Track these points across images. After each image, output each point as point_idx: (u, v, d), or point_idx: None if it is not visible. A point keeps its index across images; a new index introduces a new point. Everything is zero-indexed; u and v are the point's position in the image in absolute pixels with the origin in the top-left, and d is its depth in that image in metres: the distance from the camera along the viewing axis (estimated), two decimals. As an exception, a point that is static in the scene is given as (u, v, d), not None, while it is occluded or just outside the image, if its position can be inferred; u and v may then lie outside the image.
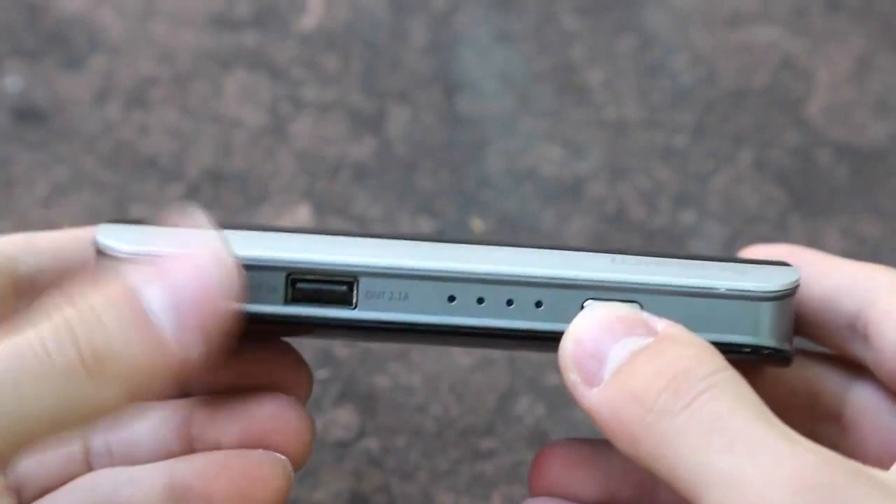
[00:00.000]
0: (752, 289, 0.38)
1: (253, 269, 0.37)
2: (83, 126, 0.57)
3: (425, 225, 0.56)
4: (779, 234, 0.57)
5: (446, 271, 0.37)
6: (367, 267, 0.37)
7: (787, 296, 0.39)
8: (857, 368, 0.41)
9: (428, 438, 0.51)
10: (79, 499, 0.39)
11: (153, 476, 0.39)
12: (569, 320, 0.37)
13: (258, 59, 0.60)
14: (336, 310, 0.37)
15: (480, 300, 0.37)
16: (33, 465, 0.39)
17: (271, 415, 0.39)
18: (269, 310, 0.37)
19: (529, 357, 0.52)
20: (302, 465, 0.40)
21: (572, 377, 0.35)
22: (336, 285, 0.37)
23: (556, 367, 0.52)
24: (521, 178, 0.58)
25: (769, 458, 0.31)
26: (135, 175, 0.56)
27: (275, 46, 0.60)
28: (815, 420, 0.42)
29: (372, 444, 0.51)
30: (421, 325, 0.38)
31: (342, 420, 0.51)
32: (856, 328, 0.40)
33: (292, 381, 0.40)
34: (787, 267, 0.40)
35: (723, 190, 0.58)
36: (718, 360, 0.34)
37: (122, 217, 0.51)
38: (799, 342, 0.41)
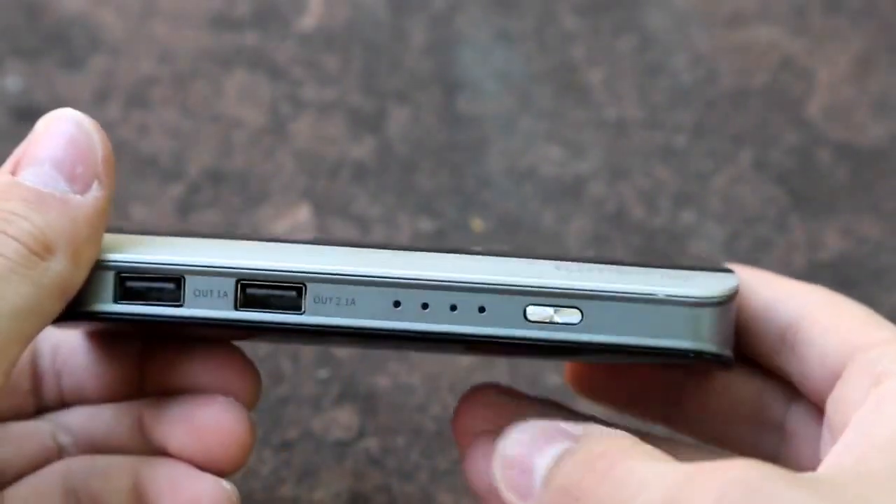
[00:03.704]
0: (691, 294, 0.38)
1: (204, 275, 0.38)
2: (83, 126, 0.57)
3: (425, 225, 0.56)
4: (779, 233, 0.57)
5: (391, 277, 0.38)
6: (315, 273, 0.38)
7: (726, 301, 0.39)
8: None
9: (428, 438, 0.51)
10: (52, 483, 0.41)
11: (120, 475, 0.41)
12: (512, 325, 0.38)
13: (258, 59, 0.60)
14: (285, 315, 0.38)
15: (425, 305, 0.38)
16: (10, 452, 0.41)
17: (213, 417, 0.40)
18: (220, 314, 0.38)
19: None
20: (241, 466, 0.41)
21: (510, 497, 0.36)
22: (285, 291, 0.38)
23: (555, 368, 0.52)
24: (521, 178, 0.58)
25: (684, 474, 0.33)
26: (135, 175, 0.56)
27: (275, 46, 0.60)
28: (759, 428, 0.42)
29: (372, 444, 0.51)
30: (367, 329, 0.38)
31: (342, 420, 0.51)
32: (786, 339, 0.40)
33: (239, 385, 0.41)
34: (728, 273, 0.40)
35: (723, 190, 0.58)
36: (638, 445, 0.35)
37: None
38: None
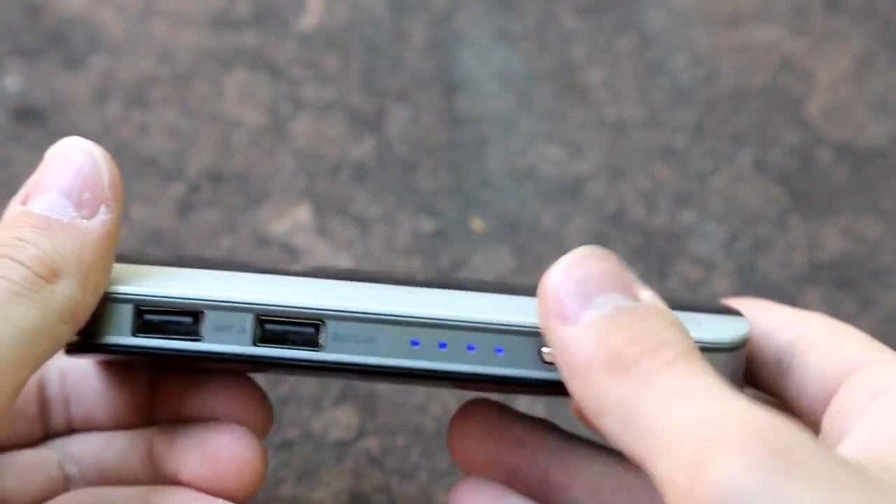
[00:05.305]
0: (706, 340, 0.39)
1: (223, 310, 0.38)
2: (83, 126, 0.57)
3: (425, 225, 0.56)
4: (779, 233, 0.57)
5: (410, 317, 0.38)
6: (335, 311, 0.38)
7: (739, 347, 0.39)
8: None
9: (428, 438, 0.51)
10: None
11: None
12: (528, 367, 0.38)
13: (258, 59, 0.60)
14: (303, 351, 0.38)
15: (443, 345, 0.38)
16: (15, 482, 0.41)
17: (226, 446, 0.40)
18: (238, 350, 0.38)
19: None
20: (253, 494, 0.41)
21: (549, 307, 0.36)
22: (304, 327, 0.38)
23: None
24: (521, 178, 0.58)
25: (727, 408, 0.32)
26: (135, 175, 0.56)
27: (275, 46, 0.60)
28: None
29: (372, 444, 0.51)
30: (385, 368, 0.38)
31: (342, 420, 0.51)
32: (783, 361, 0.41)
33: (252, 414, 0.41)
34: (739, 317, 0.40)
35: (723, 190, 0.58)
36: (691, 340, 0.35)
37: None
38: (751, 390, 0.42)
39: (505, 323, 0.38)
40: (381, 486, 0.50)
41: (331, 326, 0.38)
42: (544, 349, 0.38)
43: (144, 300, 0.38)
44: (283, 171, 0.57)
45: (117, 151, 0.57)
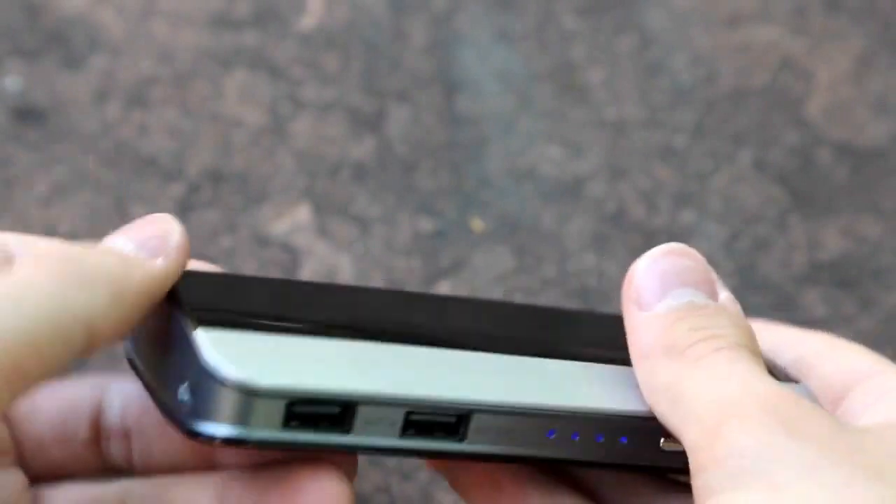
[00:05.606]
0: None
1: (377, 405, 0.36)
2: (83, 126, 0.57)
3: (425, 225, 0.56)
4: (779, 233, 0.57)
5: (549, 409, 0.38)
6: (484, 404, 0.37)
7: None
8: None
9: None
10: None
11: None
12: (648, 456, 0.39)
13: (258, 59, 0.60)
14: (446, 443, 0.37)
15: (576, 434, 0.39)
16: None
17: (316, 487, 0.38)
18: (385, 443, 0.37)
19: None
20: None
21: (631, 293, 0.39)
22: (449, 418, 0.37)
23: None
24: (521, 178, 0.58)
25: (753, 387, 0.36)
26: (135, 175, 0.56)
27: (275, 46, 0.60)
28: None
29: (372, 443, 0.51)
30: (520, 457, 0.38)
31: (342, 420, 0.51)
32: (788, 377, 0.42)
33: (340, 456, 0.39)
34: None
35: (723, 189, 0.58)
36: (755, 341, 0.38)
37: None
38: None
39: (633, 414, 0.39)
40: (382, 486, 0.50)
41: (476, 419, 0.37)
42: (663, 442, 0.39)
43: (299, 395, 0.35)
44: (283, 171, 0.57)
45: (117, 151, 0.57)
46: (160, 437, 0.41)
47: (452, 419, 0.37)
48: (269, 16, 0.61)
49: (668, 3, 0.62)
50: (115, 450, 0.41)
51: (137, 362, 0.38)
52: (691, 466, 0.36)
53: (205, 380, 0.35)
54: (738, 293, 0.54)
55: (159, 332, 0.38)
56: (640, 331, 0.38)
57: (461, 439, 0.37)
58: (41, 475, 0.40)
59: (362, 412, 0.36)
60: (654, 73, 0.61)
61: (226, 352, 0.35)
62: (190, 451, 0.41)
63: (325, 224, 0.56)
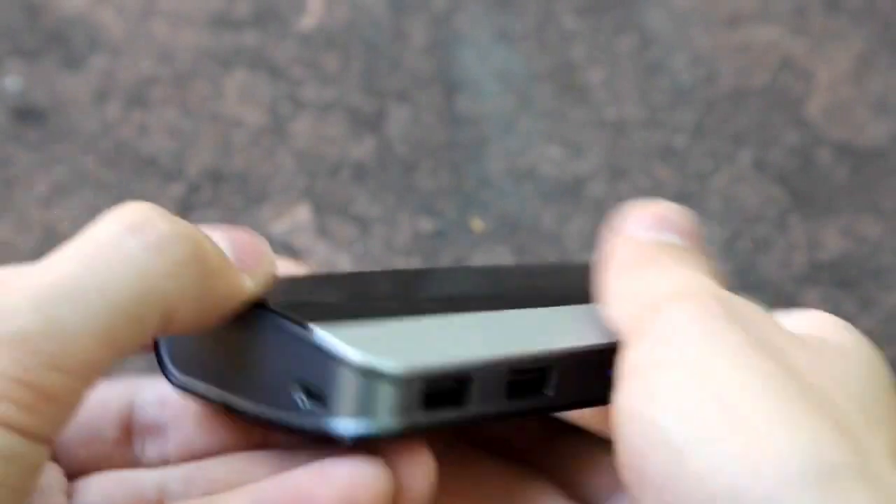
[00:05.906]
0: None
1: (487, 370, 0.35)
2: (83, 126, 0.57)
3: (425, 225, 0.56)
4: (779, 233, 0.57)
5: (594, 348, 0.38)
6: (563, 351, 0.37)
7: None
8: None
9: (428, 438, 0.51)
10: None
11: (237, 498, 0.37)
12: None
13: (258, 59, 0.60)
14: (537, 399, 0.37)
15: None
16: (99, 499, 0.39)
17: (347, 461, 0.36)
18: (499, 409, 0.36)
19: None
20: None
21: (623, 223, 0.40)
22: (536, 374, 0.37)
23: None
24: (521, 178, 0.58)
25: (694, 280, 0.37)
26: (135, 175, 0.56)
27: (275, 46, 0.60)
28: None
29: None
30: (591, 400, 0.38)
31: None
32: None
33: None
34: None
35: (723, 190, 0.58)
36: (708, 261, 0.39)
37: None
38: None
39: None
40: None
41: (558, 370, 0.37)
42: None
43: (434, 373, 0.33)
44: (283, 171, 0.57)
45: (117, 151, 0.57)
46: (201, 429, 0.40)
47: (543, 374, 0.37)
48: (269, 16, 0.61)
49: (668, 3, 0.62)
50: (150, 447, 0.41)
51: (202, 389, 0.37)
52: (621, 337, 0.35)
53: (339, 376, 0.33)
54: (739, 293, 0.55)
55: (243, 349, 0.36)
56: (620, 247, 0.39)
57: (552, 391, 0.37)
58: (68, 475, 0.40)
59: (476, 380, 0.35)
60: (654, 73, 0.61)
61: (352, 342, 0.33)
62: (234, 439, 0.40)
63: (325, 224, 0.56)
